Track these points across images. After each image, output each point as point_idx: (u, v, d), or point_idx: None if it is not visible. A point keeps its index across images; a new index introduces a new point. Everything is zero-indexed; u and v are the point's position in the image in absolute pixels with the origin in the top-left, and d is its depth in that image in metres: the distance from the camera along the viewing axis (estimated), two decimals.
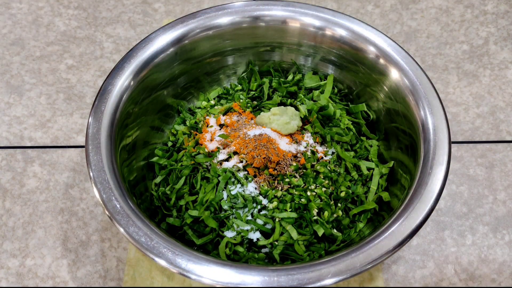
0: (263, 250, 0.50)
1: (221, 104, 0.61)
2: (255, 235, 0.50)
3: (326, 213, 0.51)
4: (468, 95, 0.68)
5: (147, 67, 0.53)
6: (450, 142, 0.47)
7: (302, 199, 0.51)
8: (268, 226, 0.50)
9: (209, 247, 0.51)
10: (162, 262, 0.41)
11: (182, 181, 0.53)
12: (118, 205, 0.44)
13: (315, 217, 0.50)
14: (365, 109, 0.58)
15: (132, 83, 0.52)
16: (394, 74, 0.53)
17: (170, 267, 0.41)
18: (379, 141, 0.57)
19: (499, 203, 0.59)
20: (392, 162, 0.54)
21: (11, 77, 0.70)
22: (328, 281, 0.40)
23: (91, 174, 0.45)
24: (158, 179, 0.55)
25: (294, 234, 0.49)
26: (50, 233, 0.57)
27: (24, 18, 0.76)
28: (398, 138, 0.54)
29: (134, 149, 0.53)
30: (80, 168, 0.62)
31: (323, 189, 0.52)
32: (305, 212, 0.50)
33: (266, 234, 0.51)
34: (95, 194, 0.46)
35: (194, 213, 0.51)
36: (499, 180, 0.61)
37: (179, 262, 0.41)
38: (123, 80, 0.51)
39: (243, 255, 0.50)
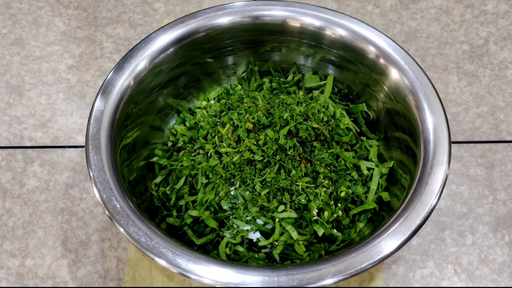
0: (263, 250, 0.50)
1: None
2: (255, 235, 0.50)
3: (326, 213, 0.51)
4: (468, 95, 0.68)
5: (147, 67, 0.53)
6: (450, 142, 0.47)
7: (302, 199, 0.51)
8: (268, 226, 0.50)
9: (209, 247, 0.51)
10: (162, 262, 0.41)
11: (182, 181, 0.53)
12: (118, 205, 0.44)
13: (315, 217, 0.50)
14: (365, 109, 0.58)
15: (132, 83, 0.52)
16: (394, 74, 0.53)
17: (170, 267, 0.41)
18: (379, 141, 0.57)
19: (499, 203, 0.59)
20: (392, 162, 0.54)
21: (11, 77, 0.70)
22: (328, 281, 0.40)
23: (91, 174, 0.45)
24: (158, 179, 0.55)
25: (294, 234, 0.49)
26: (50, 233, 0.57)
27: (24, 18, 0.76)
28: (398, 138, 0.54)
29: (134, 149, 0.53)
30: (80, 168, 0.62)
31: (323, 189, 0.52)
32: (305, 212, 0.50)
33: (266, 234, 0.51)
34: (95, 194, 0.46)
35: (194, 213, 0.51)
36: (499, 180, 0.61)
37: (179, 262, 0.41)
38: (123, 80, 0.51)
39: (243, 255, 0.50)
